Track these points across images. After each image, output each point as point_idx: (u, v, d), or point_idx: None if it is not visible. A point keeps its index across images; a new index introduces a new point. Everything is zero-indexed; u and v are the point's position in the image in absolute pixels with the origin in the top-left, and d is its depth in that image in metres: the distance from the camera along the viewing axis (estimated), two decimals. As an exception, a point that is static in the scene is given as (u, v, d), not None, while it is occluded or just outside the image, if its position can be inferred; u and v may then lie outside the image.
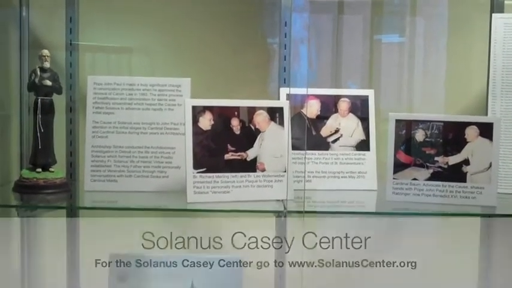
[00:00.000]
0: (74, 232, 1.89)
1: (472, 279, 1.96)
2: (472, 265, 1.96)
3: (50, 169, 1.66)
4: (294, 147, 1.68)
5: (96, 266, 1.88)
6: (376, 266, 2.05)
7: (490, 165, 1.61)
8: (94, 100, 1.75)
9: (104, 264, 1.80)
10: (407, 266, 2.03)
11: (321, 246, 2.02)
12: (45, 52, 1.66)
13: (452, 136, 1.64)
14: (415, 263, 2.02)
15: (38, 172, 1.63)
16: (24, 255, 1.94)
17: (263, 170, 1.62)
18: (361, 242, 2.03)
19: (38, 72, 1.65)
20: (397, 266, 2.03)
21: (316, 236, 2.02)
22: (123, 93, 1.75)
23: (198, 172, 1.57)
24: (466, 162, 1.62)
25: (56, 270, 1.94)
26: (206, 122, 1.60)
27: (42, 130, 1.64)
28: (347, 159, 1.83)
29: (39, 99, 1.64)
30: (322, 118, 1.85)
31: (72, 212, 1.86)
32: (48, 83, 1.64)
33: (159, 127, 1.74)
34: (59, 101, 1.73)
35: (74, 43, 1.87)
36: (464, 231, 2.00)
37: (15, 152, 1.89)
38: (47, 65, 1.65)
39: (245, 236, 1.99)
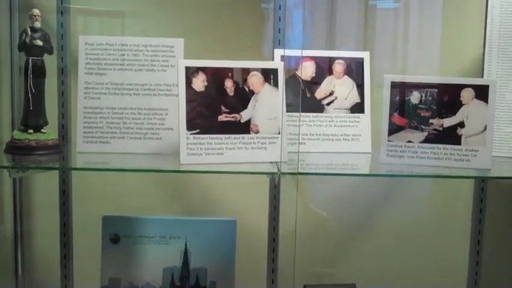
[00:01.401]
0: (67, 194, 1.88)
1: (465, 240, 1.97)
2: (465, 227, 1.97)
3: (42, 130, 1.63)
4: (288, 109, 1.66)
5: (88, 228, 1.90)
6: (370, 227, 2.07)
7: (485, 128, 1.60)
8: (86, 61, 1.72)
9: (97, 227, 1.81)
10: (401, 227, 2.05)
11: (314, 207, 2.04)
12: (36, 11, 1.62)
13: (447, 98, 1.62)
14: (409, 224, 2.04)
15: (30, 133, 1.61)
16: (17, 220, 1.93)
17: (257, 132, 1.61)
18: (354, 203, 2.06)
19: (29, 32, 1.61)
20: (390, 227, 2.06)
21: (309, 197, 2.03)
22: (115, 54, 1.72)
23: (191, 133, 1.55)
24: (461, 124, 1.61)
25: (49, 233, 1.94)
26: (199, 83, 1.58)
27: (33, 91, 1.61)
28: (341, 122, 1.82)
29: (30, 60, 1.61)
30: (316, 80, 1.83)
31: (65, 173, 1.85)
32: (39, 42, 1.61)
33: (152, 88, 1.72)
34: (50, 63, 1.71)
35: (65, 5, 1.84)
36: (457, 194, 2.01)
37: (7, 114, 1.88)
38: (37, 24, 1.62)
39: (239, 197, 2.00)
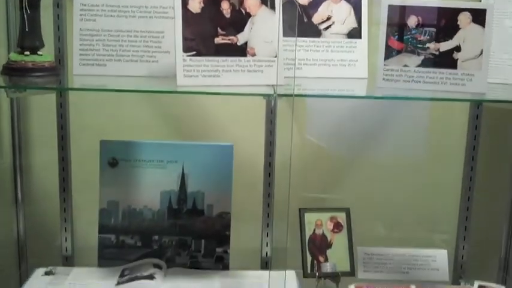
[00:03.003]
0: (64, 118, 1.88)
1: (459, 166, 2.00)
2: (459, 153, 1.99)
3: (38, 53, 1.63)
4: (285, 34, 1.65)
5: (86, 152, 1.91)
6: (365, 153, 2.09)
7: (481, 52, 1.60)
8: (81, -18, 1.71)
9: (95, 151, 1.83)
10: (396, 153, 2.07)
11: (310, 134, 2.06)
12: None
13: (444, 22, 1.62)
14: (403, 150, 2.07)
15: (26, 55, 1.61)
16: (15, 146, 1.95)
17: (253, 55, 1.60)
18: (350, 129, 2.07)
19: (23, -48, 1.60)
20: (385, 153, 2.08)
21: (305, 124, 2.05)
22: (110, -25, 1.71)
23: (187, 55, 1.55)
24: (458, 48, 1.61)
25: (47, 159, 1.96)
26: (196, 4, 1.57)
27: (28, 12, 1.60)
28: (338, 47, 1.82)
29: (25, -20, 1.60)
30: (314, 4, 1.82)
31: (62, 97, 1.85)
32: (33, -38, 1.59)
33: (148, 10, 1.71)
34: (45, -15, 1.69)
35: None
36: (452, 121, 2.03)
37: (3, 36, 1.87)
38: None
39: (236, 122, 2.02)
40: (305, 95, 1.70)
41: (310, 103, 2.00)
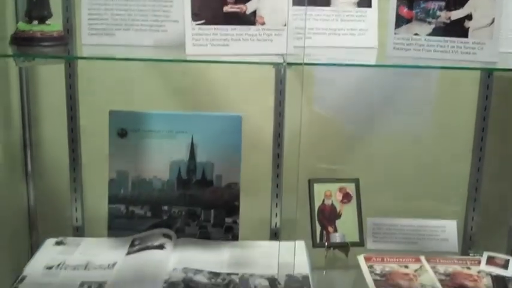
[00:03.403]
0: (73, 88, 1.88)
1: (469, 136, 1.99)
2: (469, 124, 1.98)
3: (47, 22, 1.62)
4: (294, 3, 1.64)
5: (95, 123, 1.92)
6: (375, 124, 2.09)
7: (493, 21, 1.58)
8: (88, -50, 1.70)
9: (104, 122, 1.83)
10: (406, 124, 2.07)
11: (319, 105, 2.05)
12: None
13: (456, -10, 1.60)
14: (413, 122, 2.06)
15: (34, 25, 1.60)
16: (26, 124, 1.96)
17: (262, 24, 1.59)
18: (360, 100, 2.07)
19: None
20: (395, 124, 2.07)
21: (315, 95, 2.04)
22: None
23: (196, 24, 1.54)
24: (469, 17, 1.59)
25: (56, 129, 1.97)
26: (204, -28, 1.56)
27: (35, -19, 1.60)
28: (348, 16, 1.80)
29: (32, -52, 1.58)
30: (325, -27, 1.80)
31: (71, 67, 1.85)
32: None
33: (156, -22, 1.70)
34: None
35: None
36: (463, 91, 2.01)
37: (11, 7, 1.86)
38: None
39: (245, 92, 2.01)
40: (315, 64, 1.69)
41: (319, 73, 1.99)
